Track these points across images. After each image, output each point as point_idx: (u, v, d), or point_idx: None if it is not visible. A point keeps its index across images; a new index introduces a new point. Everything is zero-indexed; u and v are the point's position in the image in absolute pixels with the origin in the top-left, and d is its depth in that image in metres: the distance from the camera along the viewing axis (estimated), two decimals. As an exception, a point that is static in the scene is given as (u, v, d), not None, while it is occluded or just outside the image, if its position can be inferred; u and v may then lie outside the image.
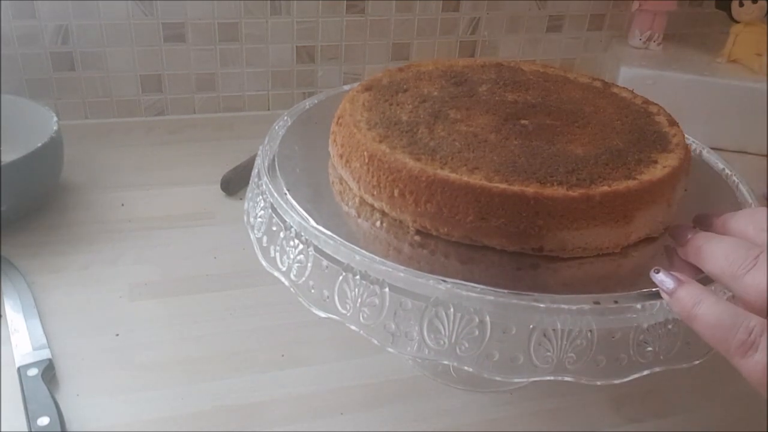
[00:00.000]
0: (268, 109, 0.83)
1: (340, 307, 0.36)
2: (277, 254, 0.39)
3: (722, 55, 0.84)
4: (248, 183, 0.45)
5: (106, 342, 0.47)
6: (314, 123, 0.49)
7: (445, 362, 0.34)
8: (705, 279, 0.33)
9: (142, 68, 0.77)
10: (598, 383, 0.34)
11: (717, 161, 0.48)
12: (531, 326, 0.33)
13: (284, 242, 0.38)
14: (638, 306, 0.33)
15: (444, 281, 0.33)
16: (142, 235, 0.59)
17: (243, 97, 0.82)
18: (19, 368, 0.44)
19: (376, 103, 0.44)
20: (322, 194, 0.42)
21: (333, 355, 0.47)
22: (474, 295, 0.33)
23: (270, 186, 0.40)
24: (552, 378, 0.34)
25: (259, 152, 0.44)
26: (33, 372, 0.44)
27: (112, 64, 0.75)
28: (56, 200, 0.62)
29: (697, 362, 0.35)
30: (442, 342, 0.34)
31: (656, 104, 0.48)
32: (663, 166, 0.39)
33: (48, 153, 0.58)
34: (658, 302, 0.33)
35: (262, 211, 0.41)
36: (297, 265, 0.37)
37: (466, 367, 0.34)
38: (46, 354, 0.45)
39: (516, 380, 0.38)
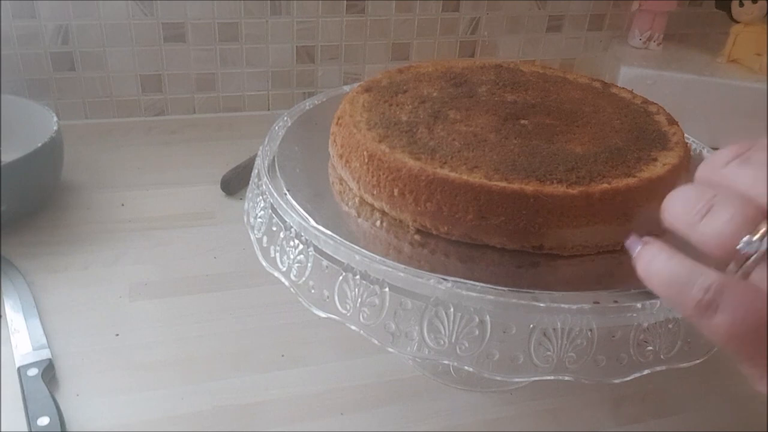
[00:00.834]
0: (268, 109, 0.83)
1: (340, 307, 0.36)
2: (277, 254, 0.39)
3: (722, 55, 0.84)
4: (248, 183, 0.45)
5: (106, 342, 0.47)
6: (314, 123, 0.49)
7: (446, 362, 0.34)
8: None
9: (142, 68, 0.77)
10: (598, 382, 0.34)
11: None
12: (531, 326, 0.33)
13: (284, 242, 0.38)
14: (638, 305, 0.33)
15: (444, 280, 0.33)
16: (142, 235, 0.59)
17: (243, 97, 0.82)
18: (19, 368, 0.44)
19: (376, 104, 0.44)
20: (322, 194, 0.42)
21: (333, 355, 0.47)
22: (474, 294, 0.33)
23: (270, 186, 0.40)
24: (552, 378, 0.34)
25: (259, 152, 0.44)
26: (33, 372, 0.44)
27: (112, 64, 0.75)
28: (56, 200, 0.62)
29: (698, 361, 0.35)
30: (442, 342, 0.34)
31: (655, 104, 0.48)
32: (663, 163, 0.39)
33: (48, 153, 0.58)
34: (658, 301, 0.33)
35: (262, 212, 0.41)
36: (297, 265, 0.37)
37: (466, 367, 0.34)
38: (46, 354, 0.45)
39: (516, 380, 0.38)
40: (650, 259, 0.27)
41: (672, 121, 0.45)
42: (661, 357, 0.34)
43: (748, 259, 0.24)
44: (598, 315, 0.33)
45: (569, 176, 0.37)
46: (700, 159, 0.49)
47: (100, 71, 0.75)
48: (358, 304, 0.35)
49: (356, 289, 0.35)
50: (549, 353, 0.33)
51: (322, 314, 0.36)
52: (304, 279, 0.37)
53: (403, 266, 0.34)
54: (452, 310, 0.33)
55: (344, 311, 0.36)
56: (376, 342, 0.35)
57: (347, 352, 0.48)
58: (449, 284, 0.33)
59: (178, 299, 0.52)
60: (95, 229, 0.59)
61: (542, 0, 0.86)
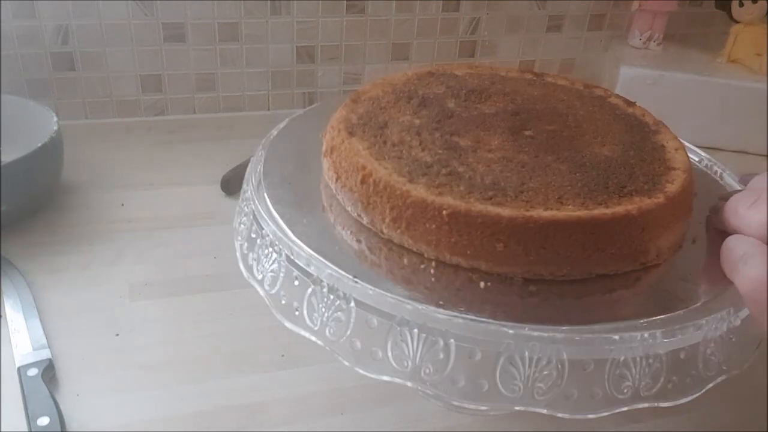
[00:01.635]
0: (268, 109, 0.83)
1: (308, 321, 0.35)
2: (255, 263, 0.38)
3: (722, 55, 0.84)
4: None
5: (106, 342, 0.47)
6: (310, 130, 0.48)
7: (409, 385, 0.33)
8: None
9: (142, 68, 0.77)
10: (569, 417, 0.33)
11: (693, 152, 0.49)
12: (498, 351, 0.31)
13: (260, 250, 0.38)
14: (615, 337, 0.32)
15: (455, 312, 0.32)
16: (142, 235, 0.59)
17: (243, 97, 0.82)
18: (19, 368, 0.44)
19: (377, 148, 0.39)
20: (311, 205, 0.41)
21: (333, 355, 0.47)
22: (440, 316, 0.32)
23: (254, 194, 0.40)
24: (522, 408, 0.33)
25: (252, 160, 0.44)
26: (33, 372, 0.44)
27: (112, 64, 0.75)
28: (56, 200, 0.62)
29: (683, 401, 0.34)
30: (405, 363, 0.33)
31: (600, 87, 0.50)
32: (675, 148, 0.42)
33: (48, 153, 0.58)
34: (638, 334, 0.32)
35: (245, 218, 0.40)
36: (270, 274, 0.37)
37: (427, 392, 0.33)
38: (46, 354, 0.45)
39: (482, 408, 0.36)
40: (723, 244, 0.34)
41: (629, 103, 0.47)
42: (641, 394, 0.33)
43: None
44: (568, 345, 0.31)
45: (641, 185, 0.37)
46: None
47: (100, 71, 0.75)
48: (325, 318, 0.34)
49: (322, 303, 0.34)
50: (516, 382, 0.32)
51: (291, 327, 0.35)
52: (275, 289, 0.36)
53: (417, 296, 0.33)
54: (416, 330, 0.32)
55: (312, 325, 0.35)
56: (344, 362, 0.34)
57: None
58: (417, 305, 0.32)
59: (178, 299, 0.52)
60: (95, 229, 0.59)
61: (542, 0, 0.86)
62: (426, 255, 0.36)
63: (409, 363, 0.32)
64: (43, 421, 0.40)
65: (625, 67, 0.81)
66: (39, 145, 0.56)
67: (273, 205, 0.39)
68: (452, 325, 0.32)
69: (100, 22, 0.73)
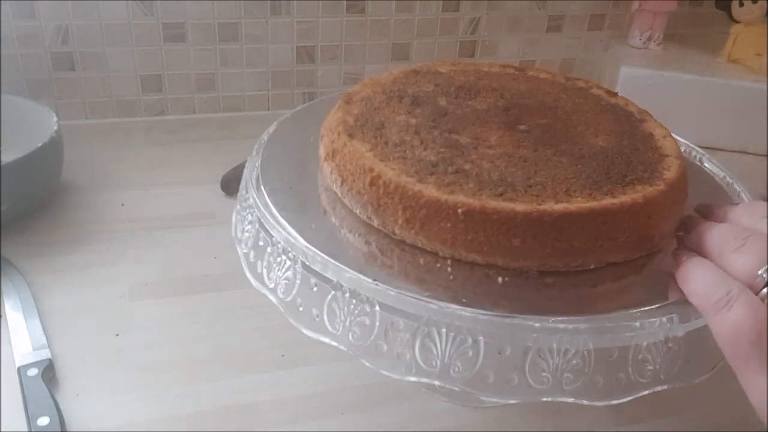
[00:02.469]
0: (268, 109, 0.83)
1: (329, 327, 0.35)
2: (265, 270, 0.38)
3: (722, 55, 0.84)
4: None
5: (106, 342, 0.47)
6: (303, 130, 0.48)
7: (438, 383, 0.33)
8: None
9: (142, 68, 0.77)
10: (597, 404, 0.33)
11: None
12: (527, 345, 0.32)
13: (271, 258, 0.37)
14: (636, 324, 0.33)
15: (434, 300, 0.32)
16: (142, 235, 0.59)
17: (243, 97, 0.82)
18: (19, 368, 0.44)
19: (379, 149, 0.39)
20: (310, 206, 0.41)
21: (333, 355, 0.47)
22: (466, 314, 0.32)
23: (257, 200, 0.39)
24: (550, 399, 0.33)
25: (247, 164, 0.43)
26: (33, 372, 0.44)
27: (112, 64, 0.75)
28: (56, 200, 0.62)
29: (699, 380, 0.35)
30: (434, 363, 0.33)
31: (581, 78, 0.51)
32: (663, 135, 0.43)
33: (48, 153, 0.58)
34: (657, 320, 0.33)
35: (249, 226, 0.40)
36: (285, 282, 0.36)
37: (458, 388, 0.33)
38: (46, 354, 0.45)
39: (511, 401, 0.37)
40: (694, 266, 0.33)
41: (611, 93, 0.48)
42: (661, 377, 0.34)
43: (765, 286, 0.30)
44: (594, 335, 0.32)
45: (641, 174, 0.38)
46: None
47: (100, 71, 0.75)
48: (347, 324, 0.34)
49: (345, 308, 0.34)
50: (545, 374, 0.32)
51: (313, 336, 0.35)
52: (291, 297, 0.36)
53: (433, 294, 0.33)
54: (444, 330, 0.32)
55: (334, 331, 0.35)
56: (367, 364, 0.34)
57: (347, 352, 0.47)
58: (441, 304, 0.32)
59: (178, 299, 0.52)
60: (95, 229, 0.59)
61: (542, 0, 0.86)
62: (441, 254, 0.36)
63: (438, 362, 0.33)
64: (43, 421, 0.40)
65: (625, 67, 0.81)
66: (39, 145, 0.56)
67: (279, 212, 0.38)
68: (479, 323, 0.32)
69: (100, 22, 0.73)
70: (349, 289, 0.34)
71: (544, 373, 0.32)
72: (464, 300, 0.33)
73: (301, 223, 0.38)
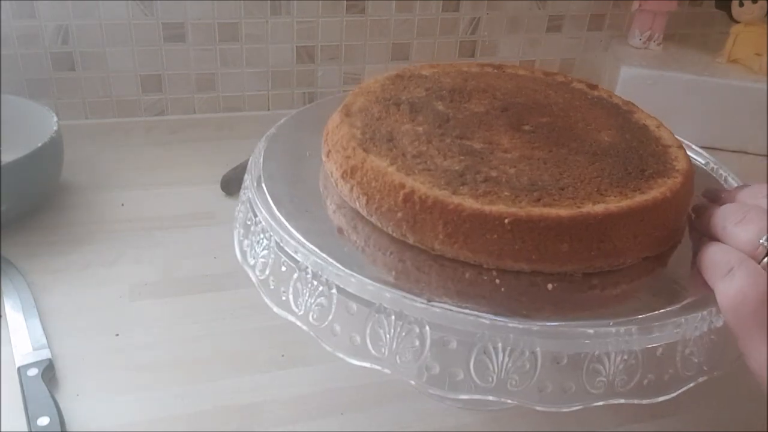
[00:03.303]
0: (268, 109, 0.83)
1: (373, 351, 0.33)
2: (290, 297, 0.36)
3: (722, 55, 0.84)
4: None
5: (106, 342, 0.47)
6: (301, 134, 0.48)
7: (493, 399, 0.33)
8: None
9: (142, 68, 0.77)
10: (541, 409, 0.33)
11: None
12: (585, 352, 0.32)
13: (298, 283, 0.36)
14: (590, 331, 0.32)
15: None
16: (142, 235, 0.59)
17: (243, 97, 0.82)
18: (19, 368, 0.44)
19: (400, 162, 0.38)
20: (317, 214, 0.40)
21: (333, 355, 0.47)
22: (520, 326, 0.31)
23: (272, 222, 0.37)
24: (492, 398, 0.33)
25: (249, 186, 0.42)
26: (33, 372, 0.43)
27: (112, 64, 0.75)
28: (56, 200, 0.62)
29: (659, 399, 0.34)
30: (490, 379, 0.32)
31: (558, 73, 0.51)
32: (656, 126, 0.44)
33: (48, 153, 0.58)
34: (612, 329, 0.32)
35: (265, 251, 0.38)
36: (318, 308, 0.35)
37: (517, 402, 0.32)
38: (46, 354, 0.45)
39: (594, 404, 0.35)
40: (703, 246, 0.35)
41: (591, 85, 0.49)
42: (704, 368, 0.34)
43: (767, 255, 0.31)
44: (641, 335, 0.32)
45: (655, 167, 0.38)
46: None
47: (100, 71, 0.75)
48: (394, 347, 0.33)
49: (391, 331, 0.33)
50: (601, 378, 0.32)
51: (356, 362, 0.34)
52: (327, 323, 0.34)
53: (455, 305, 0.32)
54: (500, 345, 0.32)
55: (297, 310, 0.34)
56: (412, 383, 0.33)
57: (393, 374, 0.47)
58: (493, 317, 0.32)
59: (178, 299, 0.52)
60: (95, 229, 0.59)
61: (542, 0, 0.86)
62: (486, 265, 0.35)
63: (494, 378, 0.32)
64: (43, 421, 0.40)
65: (625, 67, 0.81)
66: (39, 145, 0.56)
67: (304, 236, 0.36)
68: (538, 334, 0.31)
69: (100, 22, 0.73)
70: (395, 311, 0.32)
71: (600, 378, 0.32)
72: (524, 312, 0.32)
73: (333, 248, 0.36)
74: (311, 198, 0.41)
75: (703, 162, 0.48)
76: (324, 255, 0.35)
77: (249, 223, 0.39)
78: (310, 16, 0.78)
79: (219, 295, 0.52)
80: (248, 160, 0.45)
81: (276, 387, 0.45)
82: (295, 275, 0.35)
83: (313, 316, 0.35)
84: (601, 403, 0.33)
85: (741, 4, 0.82)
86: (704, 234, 0.37)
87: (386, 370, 0.33)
